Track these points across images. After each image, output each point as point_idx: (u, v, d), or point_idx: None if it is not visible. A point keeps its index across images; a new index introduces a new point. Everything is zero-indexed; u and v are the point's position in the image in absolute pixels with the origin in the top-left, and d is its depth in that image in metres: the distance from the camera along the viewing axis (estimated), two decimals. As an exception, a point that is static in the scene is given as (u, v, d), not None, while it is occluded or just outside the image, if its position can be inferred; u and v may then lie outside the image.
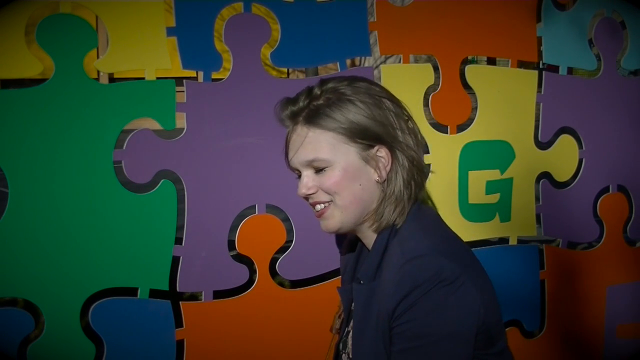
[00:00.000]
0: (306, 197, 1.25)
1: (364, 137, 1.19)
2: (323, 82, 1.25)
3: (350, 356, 1.31)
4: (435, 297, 1.10)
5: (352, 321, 1.33)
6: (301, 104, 1.23)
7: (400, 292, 1.11)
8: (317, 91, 1.23)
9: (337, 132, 1.19)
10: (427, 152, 1.95)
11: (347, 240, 1.45)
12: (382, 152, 1.20)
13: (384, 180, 1.21)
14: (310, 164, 1.22)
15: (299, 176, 1.25)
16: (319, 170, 1.21)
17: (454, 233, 1.27)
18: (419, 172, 1.22)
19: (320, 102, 1.21)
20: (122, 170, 1.65)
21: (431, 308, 1.11)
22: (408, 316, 1.11)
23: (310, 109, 1.22)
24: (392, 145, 1.20)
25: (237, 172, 1.79)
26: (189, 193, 1.73)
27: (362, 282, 1.24)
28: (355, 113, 1.19)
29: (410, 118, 1.25)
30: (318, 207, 1.24)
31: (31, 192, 1.58)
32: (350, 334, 1.33)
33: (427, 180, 1.28)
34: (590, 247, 2.31)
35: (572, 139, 2.22)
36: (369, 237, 1.26)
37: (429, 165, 1.28)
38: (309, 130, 1.21)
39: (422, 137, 1.27)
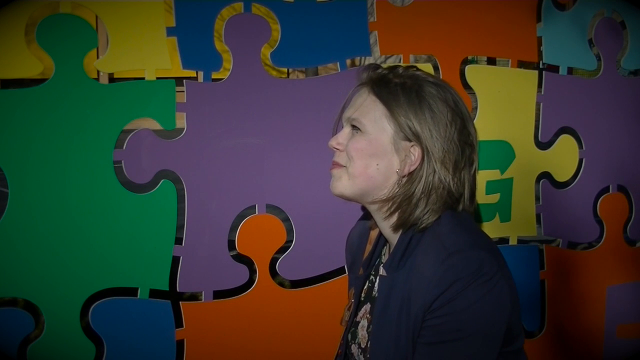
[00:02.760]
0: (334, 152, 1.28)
1: (407, 129, 1.20)
2: (411, 67, 1.28)
3: (362, 346, 1.31)
4: (474, 293, 1.11)
5: (362, 312, 1.34)
6: (380, 71, 1.26)
7: (441, 285, 1.12)
8: (400, 70, 1.26)
9: (387, 109, 1.21)
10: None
11: (356, 233, 1.45)
12: (415, 151, 1.20)
13: (404, 176, 1.21)
14: (350, 121, 1.25)
15: None
16: (354, 129, 1.24)
17: (485, 232, 1.28)
18: (445, 190, 1.21)
19: (396, 80, 1.24)
20: (122, 170, 1.65)
21: (469, 304, 1.11)
22: (445, 310, 1.12)
23: (382, 80, 1.24)
24: (428, 151, 1.19)
25: (237, 172, 1.79)
26: (189, 193, 1.73)
27: (385, 273, 1.25)
28: (414, 107, 1.20)
29: (473, 146, 1.24)
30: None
31: (31, 192, 1.58)
32: (361, 324, 1.33)
33: (465, 203, 1.25)
34: (590, 247, 2.31)
35: (572, 139, 2.22)
36: (385, 229, 1.27)
37: (470, 194, 1.25)
38: (368, 96, 1.24)
39: (475, 167, 1.26)
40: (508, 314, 1.16)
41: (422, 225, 1.21)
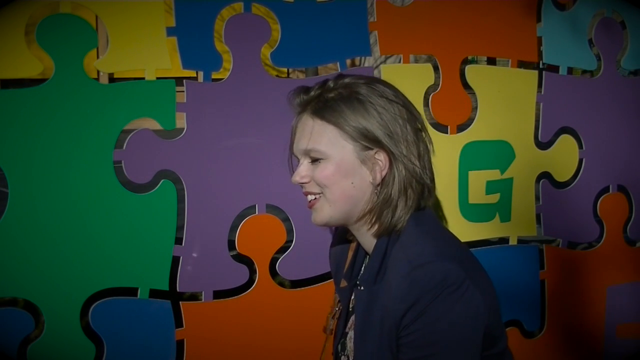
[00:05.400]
0: (301, 185, 1.25)
1: (364, 138, 1.18)
2: (340, 76, 1.25)
3: (351, 358, 1.30)
4: (443, 304, 1.10)
5: (350, 323, 1.33)
6: (313, 93, 1.23)
7: (407, 300, 1.11)
8: (331, 84, 1.23)
9: (338, 128, 1.19)
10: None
11: (337, 241, 1.44)
12: (381, 156, 1.19)
13: (378, 184, 1.20)
14: (307, 153, 1.22)
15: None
16: (314, 161, 1.22)
17: (451, 233, 1.26)
18: (418, 183, 1.21)
19: (331, 95, 1.21)
20: (122, 170, 1.65)
21: (440, 315, 1.11)
22: (417, 325, 1.11)
23: (319, 100, 1.22)
24: (392, 152, 1.19)
25: (237, 172, 1.79)
26: (189, 193, 1.73)
27: (362, 287, 1.24)
28: (361, 114, 1.18)
29: (423, 128, 1.24)
30: (309, 197, 1.25)
31: (31, 192, 1.58)
32: (349, 335, 1.32)
33: (432, 191, 1.26)
34: (590, 247, 2.31)
35: (572, 139, 2.22)
36: (367, 241, 1.26)
37: (432, 177, 1.25)
38: (313, 122, 1.21)
39: (431, 148, 1.26)
40: (483, 320, 1.15)
41: (400, 226, 1.20)
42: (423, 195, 1.23)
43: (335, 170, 1.20)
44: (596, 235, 2.29)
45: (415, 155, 1.20)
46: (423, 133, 1.24)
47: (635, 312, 2.32)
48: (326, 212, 1.23)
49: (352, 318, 1.33)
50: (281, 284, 1.87)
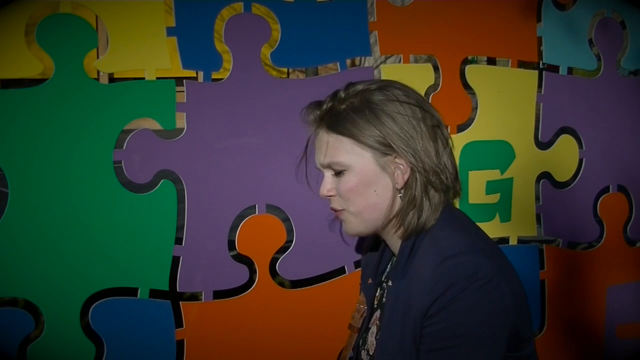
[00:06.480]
0: (328, 199, 1.26)
1: (381, 145, 1.18)
2: (350, 85, 1.24)
3: (370, 353, 1.31)
4: (471, 298, 1.10)
5: (373, 319, 1.34)
6: (325, 107, 1.23)
7: (436, 290, 1.11)
8: (342, 94, 1.23)
9: (354, 139, 1.19)
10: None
11: (369, 239, 1.45)
12: (401, 160, 1.19)
13: (402, 187, 1.20)
14: (329, 167, 1.23)
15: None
16: (338, 173, 1.22)
17: (483, 231, 1.27)
18: (439, 181, 1.21)
19: (343, 106, 1.21)
20: (122, 170, 1.65)
21: (466, 309, 1.10)
22: (442, 316, 1.11)
23: (332, 114, 1.22)
24: (410, 155, 1.18)
25: (237, 172, 1.79)
26: (189, 193, 1.73)
27: (389, 282, 1.25)
28: (374, 122, 1.18)
29: (439, 124, 1.23)
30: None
31: (31, 192, 1.58)
32: (371, 330, 1.33)
33: (456, 187, 1.25)
34: (590, 247, 2.31)
35: (572, 139, 2.22)
36: (395, 243, 1.27)
37: (454, 172, 1.25)
38: (329, 136, 1.22)
39: (451, 143, 1.25)
40: (511, 318, 1.14)
41: (429, 226, 1.20)
42: (447, 193, 1.23)
43: (359, 181, 1.20)
44: (596, 235, 2.29)
45: (433, 153, 1.20)
46: (440, 129, 1.23)
47: (635, 312, 2.32)
48: (355, 224, 1.24)
49: (376, 314, 1.34)
50: (281, 284, 1.87)
